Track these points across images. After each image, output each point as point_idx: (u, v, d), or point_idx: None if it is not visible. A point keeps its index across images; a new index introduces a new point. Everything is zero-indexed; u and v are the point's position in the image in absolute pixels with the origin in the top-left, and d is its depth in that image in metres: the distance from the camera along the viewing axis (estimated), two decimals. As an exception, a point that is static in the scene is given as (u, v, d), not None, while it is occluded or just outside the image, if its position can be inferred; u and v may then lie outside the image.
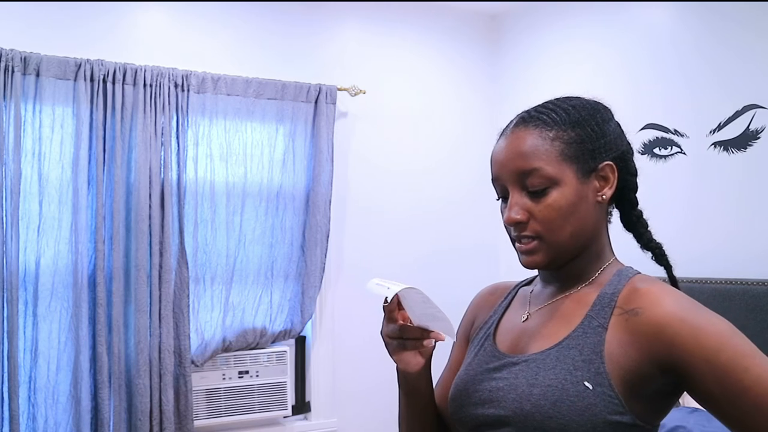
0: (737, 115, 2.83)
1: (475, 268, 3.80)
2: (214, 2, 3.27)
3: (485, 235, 3.82)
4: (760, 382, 0.90)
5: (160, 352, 2.95)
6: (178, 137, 3.05)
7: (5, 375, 2.69)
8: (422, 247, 3.72)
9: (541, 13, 3.74)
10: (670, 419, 2.43)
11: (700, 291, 2.71)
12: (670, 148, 3.08)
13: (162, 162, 3.01)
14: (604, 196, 1.07)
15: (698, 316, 0.96)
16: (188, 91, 3.07)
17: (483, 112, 3.92)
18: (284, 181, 3.29)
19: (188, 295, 3.04)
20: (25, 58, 2.77)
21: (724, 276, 2.75)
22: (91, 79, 2.89)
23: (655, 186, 3.03)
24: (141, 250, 2.91)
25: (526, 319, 1.12)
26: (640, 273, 1.08)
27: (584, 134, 1.06)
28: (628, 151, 1.11)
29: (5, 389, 2.69)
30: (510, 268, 3.40)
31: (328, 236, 3.35)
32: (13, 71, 2.74)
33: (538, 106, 1.10)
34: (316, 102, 3.35)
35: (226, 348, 3.15)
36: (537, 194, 1.04)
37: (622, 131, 1.12)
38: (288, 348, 3.34)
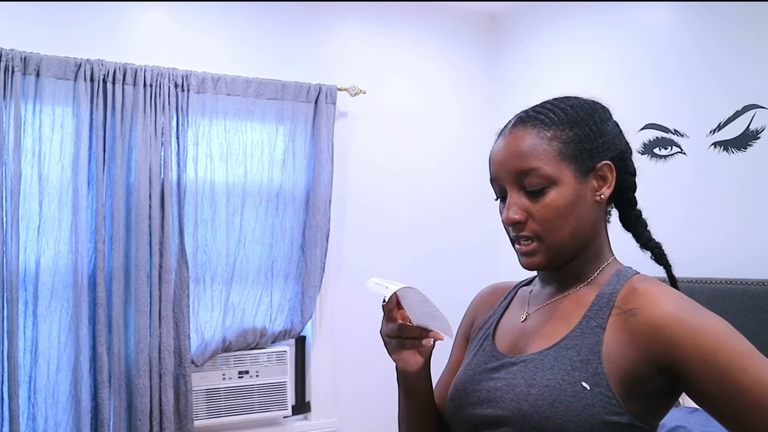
0: (737, 115, 2.83)
1: (475, 268, 3.80)
2: (214, 2, 3.27)
3: (485, 235, 3.82)
4: (758, 382, 0.90)
5: (160, 352, 2.95)
6: (178, 137, 3.05)
7: (5, 375, 2.69)
8: (422, 247, 3.72)
9: (541, 13, 3.74)
10: (670, 419, 2.43)
11: (700, 291, 2.71)
12: (670, 148, 3.08)
13: (162, 162, 3.02)
14: (602, 196, 1.07)
15: (696, 317, 0.96)
16: (188, 91, 3.07)
17: (483, 112, 3.92)
18: (284, 181, 3.29)
19: (188, 295, 3.04)
20: (25, 58, 2.77)
21: (724, 276, 2.75)
22: (91, 79, 2.89)
23: (655, 186, 3.03)
24: (141, 250, 2.91)
25: (525, 320, 1.12)
26: (639, 273, 1.08)
27: (582, 134, 1.06)
28: (626, 150, 1.11)
29: (5, 389, 2.69)
30: (510, 268, 3.40)
31: (328, 236, 3.35)
32: (13, 71, 2.74)
33: (536, 105, 1.10)
34: (316, 102, 3.35)
35: (226, 348, 3.15)
36: (535, 194, 1.04)
37: (621, 131, 1.12)
38: (288, 348, 3.34)
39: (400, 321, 1.10)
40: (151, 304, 2.95)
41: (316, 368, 3.47)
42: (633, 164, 1.12)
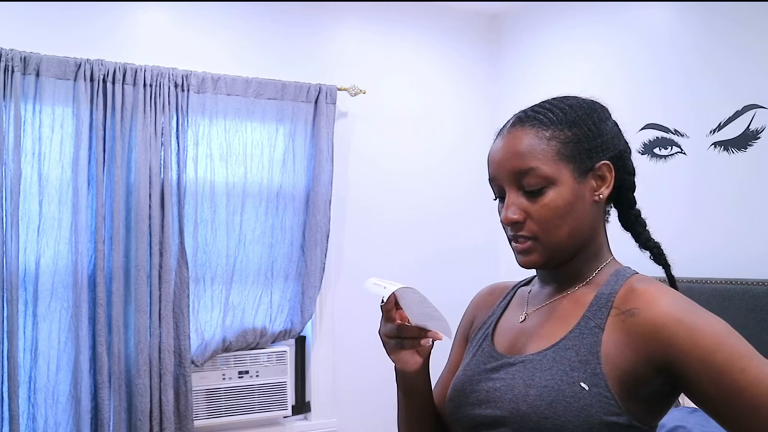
0: (737, 115, 2.83)
1: (475, 268, 3.80)
2: (214, 2, 3.28)
3: (485, 235, 3.82)
4: (757, 383, 0.90)
5: (160, 352, 2.95)
6: (178, 137, 3.05)
7: (5, 375, 2.69)
8: (422, 247, 3.72)
9: (541, 13, 3.74)
10: (670, 419, 2.43)
11: (700, 291, 2.71)
12: (670, 148, 3.08)
13: (162, 162, 3.02)
14: (601, 196, 1.07)
15: (695, 317, 0.96)
16: (188, 91, 3.07)
17: (483, 112, 3.92)
18: (284, 181, 3.29)
19: (188, 295, 3.04)
20: (25, 58, 2.77)
21: (724, 276, 2.75)
22: (91, 79, 2.89)
23: (655, 186, 3.03)
24: (141, 250, 2.91)
25: (524, 320, 1.12)
26: (637, 273, 1.08)
27: (581, 134, 1.05)
28: (625, 150, 1.11)
29: (5, 389, 2.69)
30: (510, 268, 3.40)
31: (328, 236, 3.35)
32: (13, 71, 2.74)
33: (535, 105, 1.10)
34: (316, 102, 3.35)
35: (226, 348, 3.15)
36: (534, 194, 1.04)
37: (620, 130, 1.12)
38: (288, 348, 3.34)
39: (399, 321, 1.10)
40: (151, 304, 2.95)
41: (316, 368, 3.47)
42: (632, 164, 1.12)
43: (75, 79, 2.86)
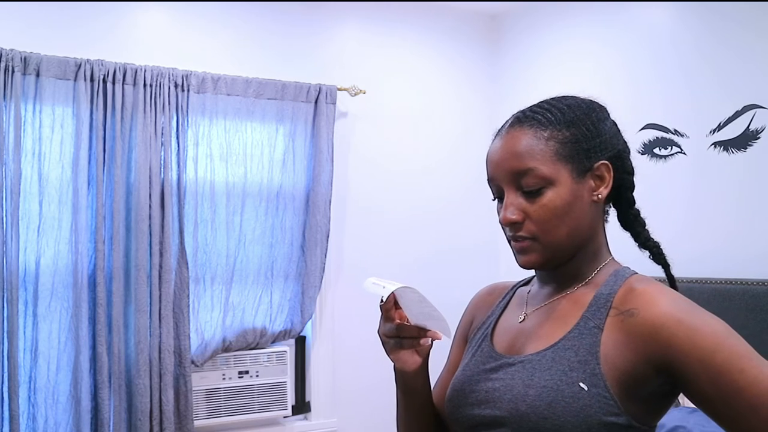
0: (737, 115, 2.83)
1: (475, 268, 3.80)
2: (214, 2, 3.28)
3: (485, 235, 3.82)
4: (756, 383, 0.90)
5: (160, 352, 2.95)
6: (178, 137, 3.05)
7: (5, 375, 2.69)
8: (422, 247, 3.72)
9: (541, 13, 3.74)
10: (670, 419, 2.43)
11: (700, 291, 2.71)
12: (670, 148, 3.08)
13: (162, 162, 3.02)
14: (599, 196, 1.06)
15: (694, 317, 0.96)
16: (188, 91, 3.07)
17: (483, 112, 3.92)
18: (284, 181, 3.29)
19: (188, 295, 3.04)
20: (25, 58, 2.77)
21: (724, 276, 2.75)
22: (91, 79, 2.89)
23: (655, 186, 3.03)
24: (141, 250, 2.91)
25: (523, 320, 1.12)
26: (637, 273, 1.08)
27: (579, 134, 1.05)
28: (624, 149, 1.11)
29: (5, 389, 2.69)
30: (510, 268, 3.39)
31: (328, 236, 3.35)
32: (13, 71, 2.74)
33: (533, 105, 1.10)
34: (316, 102, 3.35)
35: (226, 348, 3.15)
36: (532, 194, 1.04)
37: (618, 130, 1.11)
38: (288, 348, 3.34)
39: (398, 321, 1.10)
40: (151, 304, 2.95)
41: (316, 368, 3.47)
42: (631, 163, 1.12)
43: (75, 79, 2.86)
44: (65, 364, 2.84)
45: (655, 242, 1.13)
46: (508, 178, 1.06)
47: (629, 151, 1.12)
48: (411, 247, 3.69)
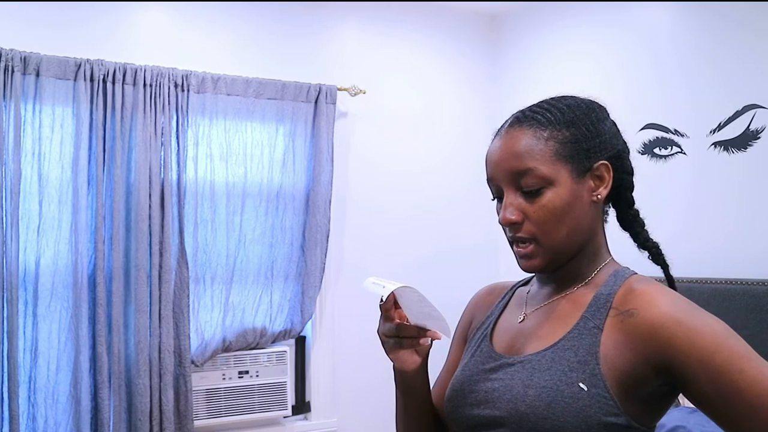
0: (737, 115, 2.83)
1: (475, 268, 3.80)
2: (214, 2, 3.28)
3: (485, 235, 3.82)
4: (755, 383, 0.90)
5: (160, 352, 2.95)
6: (178, 137, 3.05)
7: (5, 375, 2.69)
8: (422, 247, 3.72)
9: (541, 13, 3.74)
10: (670, 419, 2.43)
11: (700, 291, 2.71)
12: (670, 148, 3.08)
13: (162, 162, 3.02)
14: (599, 196, 1.06)
15: (694, 317, 0.96)
16: (188, 91, 3.07)
17: (483, 112, 3.92)
18: (284, 181, 3.29)
19: (188, 295, 3.04)
20: (25, 58, 2.77)
21: (724, 276, 2.75)
22: (91, 79, 2.89)
23: (655, 186, 3.03)
24: (141, 250, 2.91)
25: (523, 320, 1.12)
26: (636, 273, 1.08)
27: (579, 134, 1.05)
28: (623, 150, 1.11)
29: (5, 389, 2.69)
30: (510, 268, 3.39)
31: (328, 236, 3.35)
32: (13, 71, 2.74)
33: (533, 105, 1.10)
34: (316, 102, 3.35)
35: (226, 348, 3.15)
36: (532, 194, 1.04)
37: (618, 130, 1.11)
38: (288, 348, 3.34)
39: (398, 320, 1.10)
40: (151, 304, 2.95)
41: (316, 368, 3.47)
42: (630, 163, 1.11)
43: (75, 79, 2.86)
44: (65, 364, 2.84)
45: (654, 242, 1.13)
46: (507, 178, 1.05)
47: (629, 151, 1.12)
48: (411, 247, 3.69)
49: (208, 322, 3.14)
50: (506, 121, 1.10)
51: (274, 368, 3.26)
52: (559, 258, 1.06)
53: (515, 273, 1.22)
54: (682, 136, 3.04)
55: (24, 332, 2.78)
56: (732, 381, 0.90)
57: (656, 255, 1.12)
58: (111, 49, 3.02)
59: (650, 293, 0.99)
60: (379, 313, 1.12)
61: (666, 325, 0.95)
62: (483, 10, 3.92)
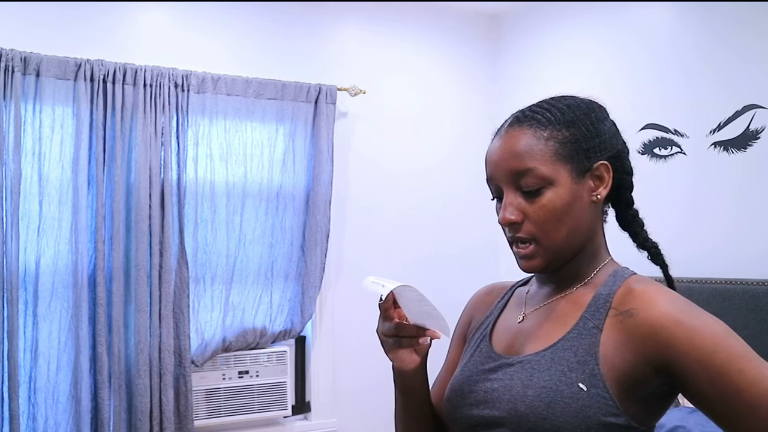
0: (737, 115, 2.83)
1: (475, 268, 3.80)
2: (214, 2, 3.28)
3: (485, 235, 3.81)
4: (755, 383, 0.89)
5: (160, 352, 2.95)
6: (178, 137, 3.05)
7: (5, 375, 2.69)
8: (422, 247, 3.72)
9: (541, 13, 3.74)
10: (670, 419, 2.42)
11: (700, 291, 2.71)
12: (670, 148, 3.08)
13: (162, 162, 3.02)
14: (599, 196, 1.06)
15: (693, 318, 0.95)
16: (188, 91, 3.07)
17: (483, 112, 3.92)
18: (284, 181, 3.29)
19: (188, 295, 3.04)
20: (25, 58, 2.77)
21: (724, 276, 2.75)
22: (91, 79, 2.89)
23: (655, 186, 3.03)
24: (141, 250, 2.91)
25: (522, 320, 1.12)
26: (636, 273, 1.08)
27: (579, 134, 1.05)
28: (623, 150, 1.10)
29: (5, 389, 2.69)
30: (510, 268, 3.40)
31: (328, 236, 3.35)
32: (13, 71, 2.74)
33: (533, 105, 1.10)
34: (316, 102, 3.35)
35: (226, 348, 3.15)
36: (531, 194, 1.04)
37: (617, 130, 1.11)
38: (288, 348, 3.34)
39: (397, 320, 1.10)
40: (151, 304, 2.95)
41: (316, 368, 3.47)
42: (630, 163, 1.11)
43: (75, 79, 2.86)
44: (65, 364, 2.84)
45: (654, 242, 1.13)
46: (507, 178, 1.05)
47: (628, 152, 1.12)
48: (411, 246, 3.69)
49: (208, 322, 3.14)
50: (506, 120, 1.10)
51: (274, 368, 3.26)
52: (558, 258, 1.06)
53: (515, 273, 1.22)
54: (682, 136, 3.04)
55: (24, 332, 2.78)
56: (731, 381, 0.90)
57: (655, 255, 1.12)
58: (111, 49, 3.02)
59: (649, 293, 0.99)
60: (379, 312, 1.11)
61: (665, 325, 0.95)
62: (483, 10, 3.92)
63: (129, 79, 2.94)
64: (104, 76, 2.90)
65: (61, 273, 2.85)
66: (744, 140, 2.81)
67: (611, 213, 1.14)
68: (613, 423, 0.95)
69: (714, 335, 0.93)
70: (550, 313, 1.08)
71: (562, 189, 1.03)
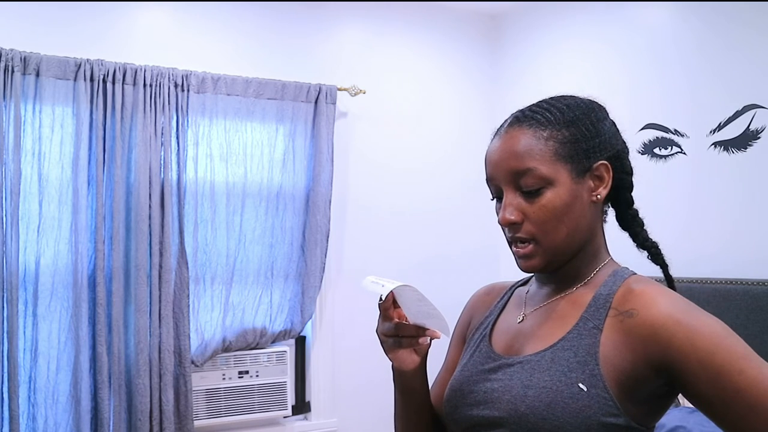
0: (737, 115, 2.83)
1: (475, 268, 3.80)
2: (214, 2, 3.28)
3: (485, 236, 3.82)
4: (755, 384, 0.89)
5: (160, 352, 2.95)
6: (178, 137, 3.05)
7: (5, 375, 2.69)
8: (422, 246, 3.72)
9: (541, 13, 3.74)
10: (670, 419, 2.42)
11: (700, 291, 2.71)
12: (670, 148, 3.08)
13: (162, 162, 3.02)
14: (599, 196, 1.06)
15: (693, 318, 0.95)
16: (188, 91, 3.07)
17: (483, 112, 3.92)
18: (284, 181, 3.29)
19: (188, 295, 3.04)
20: (25, 58, 2.77)
21: (724, 276, 2.75)
22: (91, 79, 2.89)
23: (655, 186, 3.03)
24: (141, 250, 2.91)
25: (522, 320, 1.12)
26: (635, 273, 1.08)
27: (578, 133, 1.05)
28: (623, 150, 1.10)
29: (5, 389, 2.69)
30: (510, 268, 3.39)
31: (328, 236, 3.35)
32: (13, 71, 2.74)
33: (532, 105, 1.10)
34: (316, 102, 3.35)
35: (226, 348, 3.15)
36: (531, 194, 1.03)
37: (617, 130, 1.11)
38: (288, 348, 3.34)
39: (397, 319, 1.10)
40: (151, 304, 2.95)
41: (316, 368, 3.47)
42: (630, 163, 1.11)
43: (75, 79, 2.86)
44: (65, 364, 2.84)
45: (654, 242, 1.13)
46: (507, 178, 1.05)
47: (628, 151, 1.12)
48: (411, 246, 3.69)
49: (208, 322, 3.14)
50: (506, 120, 1.10)
51: (274, 368, 3.26)
52: (558, 258, 1.06)
53: (515, 273, 1.22)
54: (682, 136, 3.04)
55: (24, 332, 2.78)
56: (731, 382, 0.90)
57: (655, 255, 1.12)
58: (111, 49, 3.02)
59: (649, 293, 0.99)
60: (378, 312, 1.11)
61: (666, 325, 0.95)
62: (483, 10, 3.92)
63: (129, 79, 2.94)
64: (104, 76, 2.90)
65: (61, 273, 2.85)
66: (744, 140, 2.81)
67: (611, 213, 1.14)
68: (613, 423, 0.95)
69: (714, 335, 0.93)
70: (550, 313, 1.08)
71: (562, 189, 1.03)
